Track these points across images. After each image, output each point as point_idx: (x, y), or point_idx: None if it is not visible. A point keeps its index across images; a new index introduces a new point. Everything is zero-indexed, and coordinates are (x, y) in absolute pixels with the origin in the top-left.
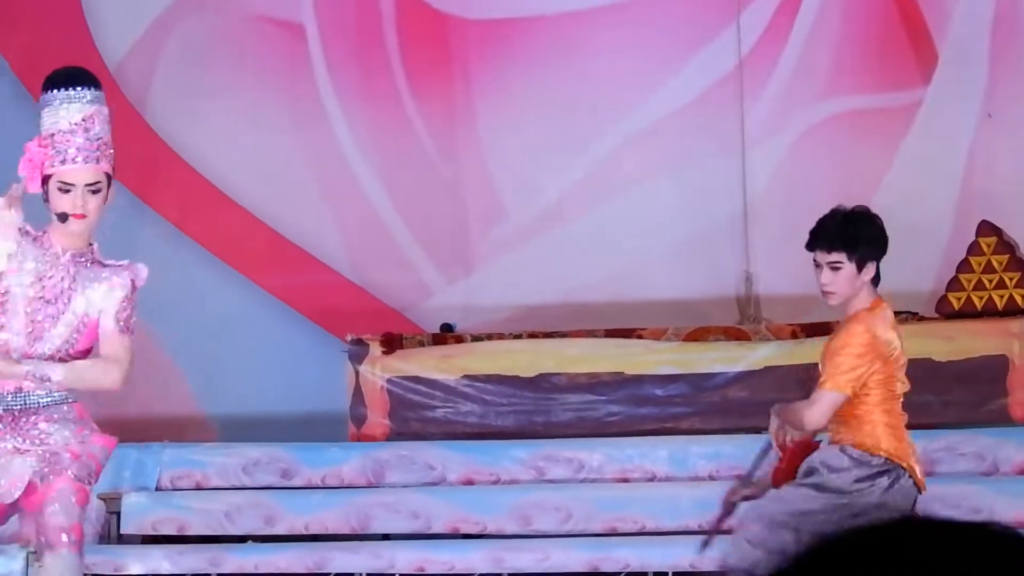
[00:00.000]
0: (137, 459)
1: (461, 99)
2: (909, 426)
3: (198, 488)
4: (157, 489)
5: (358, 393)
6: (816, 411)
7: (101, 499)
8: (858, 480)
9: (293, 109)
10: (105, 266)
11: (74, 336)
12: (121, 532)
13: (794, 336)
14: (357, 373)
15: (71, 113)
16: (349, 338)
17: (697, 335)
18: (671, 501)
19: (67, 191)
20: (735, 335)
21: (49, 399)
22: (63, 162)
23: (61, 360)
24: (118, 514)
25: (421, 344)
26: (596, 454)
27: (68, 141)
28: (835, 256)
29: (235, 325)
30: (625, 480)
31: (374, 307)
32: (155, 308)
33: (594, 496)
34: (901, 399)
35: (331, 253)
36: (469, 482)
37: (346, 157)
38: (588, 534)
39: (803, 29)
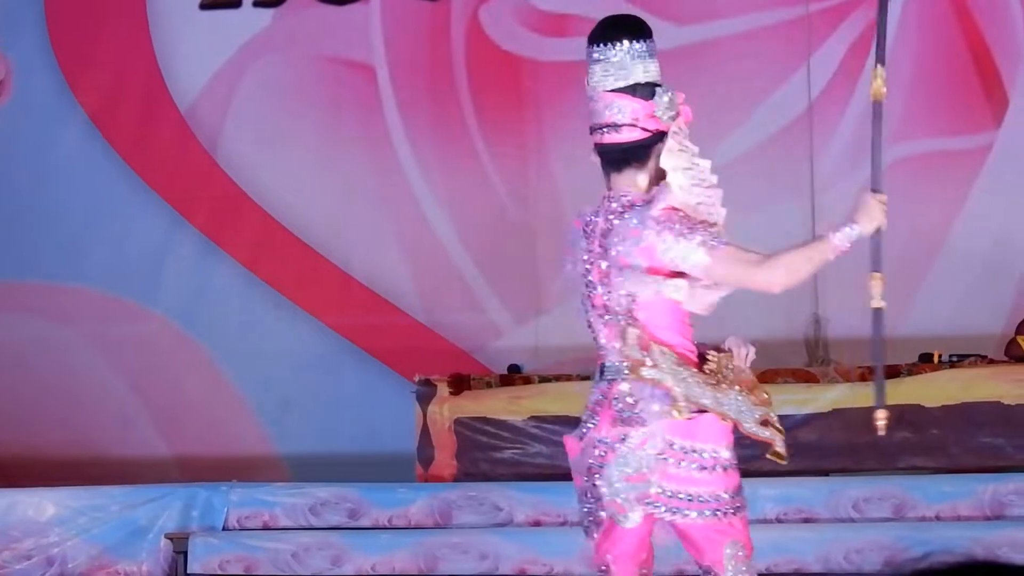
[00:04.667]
0: (206, 498)
1: (532, 140)
2: (980, 469)
3: (266, 528)
4: (224, 529)
5: (425, 434)
6: None
7: (168, 539)
8: None
9: (364, 151)
10: None
11: None
12: (188, 572)
13: (863, 379)
14: (425, 414)
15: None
16: (417, 379)
17: (765, 377)
18: None
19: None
20: (804, 377)
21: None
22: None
23: None
24: (185, 554)
25: (489, 385)
26: None
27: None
28: None
29: (305, 366)
30: None
31: (443, 348)
32: (227, 348)
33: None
34: None
35: (401, 294)
36: (537, 523)
37: (417, 199)
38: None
39: None
